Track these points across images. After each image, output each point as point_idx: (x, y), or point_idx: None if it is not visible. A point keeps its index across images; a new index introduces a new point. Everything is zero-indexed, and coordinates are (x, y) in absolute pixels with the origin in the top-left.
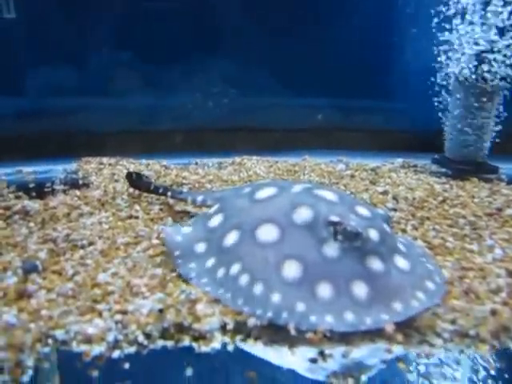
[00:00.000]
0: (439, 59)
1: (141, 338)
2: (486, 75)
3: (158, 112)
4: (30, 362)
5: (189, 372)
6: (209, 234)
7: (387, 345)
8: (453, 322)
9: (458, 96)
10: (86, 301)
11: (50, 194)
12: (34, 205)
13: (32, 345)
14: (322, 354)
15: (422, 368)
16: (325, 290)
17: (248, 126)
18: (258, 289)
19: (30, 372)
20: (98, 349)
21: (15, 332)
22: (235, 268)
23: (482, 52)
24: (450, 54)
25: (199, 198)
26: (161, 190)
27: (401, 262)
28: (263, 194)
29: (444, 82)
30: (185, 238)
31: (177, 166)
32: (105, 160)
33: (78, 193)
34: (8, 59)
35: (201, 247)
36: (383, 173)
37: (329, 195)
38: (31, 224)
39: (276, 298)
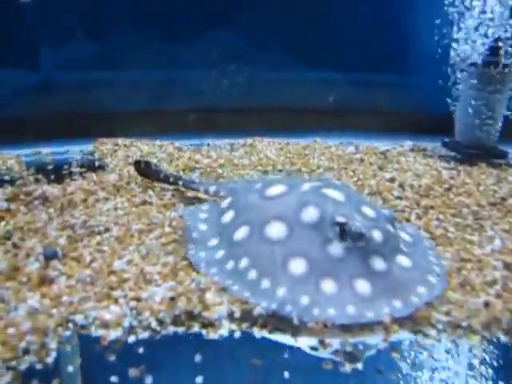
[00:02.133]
0: (453, 41)
1: (154, 324)
2: (499, 60)
3: (173, 91)
4: (53, 345)
5: (198, 357)
6: (221, 229)
7: (384, 335)
8: (447, 313)
9: (470, 80)
10: (103, 287)
11: (67, 177)
12: (53, 190)
13: (54, 329)
14: (322, 342)
15: (413, 357)
16: (328, 286)
17: (261, 105)
18: (265, 283)
19: (54, 354)
20: (114, 333)
21: (39, 317)
22: (244, 262)
23: (496, 37)
24: (463, 36)
25: (212, 189)
26: (171, 179)
27: (403, 261)
28: (273, 191)
29: (456, 65)
30: (199, 233)
31: (190, 148)
32: (120, 141)
33: (94, 177)
34: (24, 38)
35: (213, 242)
36: (392, 157)
37: (336, 195)
38: (51, 210)
39: (281, 291)
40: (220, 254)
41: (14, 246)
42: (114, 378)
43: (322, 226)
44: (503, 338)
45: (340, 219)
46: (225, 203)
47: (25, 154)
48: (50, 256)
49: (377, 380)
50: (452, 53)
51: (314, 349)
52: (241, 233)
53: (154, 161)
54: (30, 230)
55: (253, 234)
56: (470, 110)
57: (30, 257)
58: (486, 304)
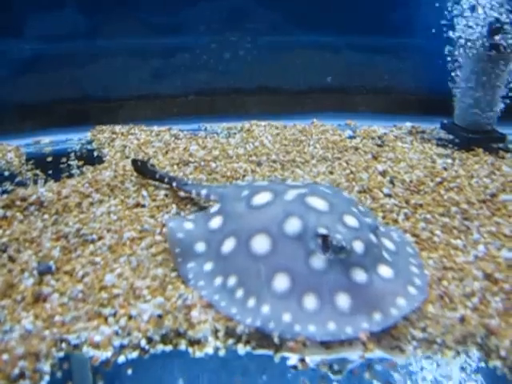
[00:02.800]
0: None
1: (143, 343)
2: (499, 43)
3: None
4: (46, 368)
5: (184, 376)
6: (208, 235)
7: (362, 351)
8: (423, 329)
9: (470, 62)
10: (94, 305)
11: (65, 171)
12: (48, 194)
13: (47, 352)
14: (302, 360)
15: (387, 374)
16: (310, 302)
17: (260, 86)
18: (251, 302)
19: (47, 377)
20: (105, 354)
21: (32, 340)
22: (232, 280)
23: (496, 20)
24: (464, 19)
25: (203, 192)
26: (166, 180)
27: (384, 271)
28: (259, 199)
29: (457, 47)
30: (186, 236)
31: (186, 135)
32: (117, 128)
33: (89, 176)
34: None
35: (200, 247)
36: (389, 141)
37: (320, 204)
38: (46, 216)
39: (265, 309)
40: (208, 266)
41: (10, 258)
42: None
43: (305, 238)
44: (476, 354)
45: (322, 231)
46: (213, 208)
47: (25, 144)
48: (43, 271)
49: None
50: (453, 33)
51: (293, 367)
52: (228, 245)
53: (151, 150)
54: (26, 241)
55: (239, 248)
56: (468, 93)
57: (25, 272)
58: (462, 319)
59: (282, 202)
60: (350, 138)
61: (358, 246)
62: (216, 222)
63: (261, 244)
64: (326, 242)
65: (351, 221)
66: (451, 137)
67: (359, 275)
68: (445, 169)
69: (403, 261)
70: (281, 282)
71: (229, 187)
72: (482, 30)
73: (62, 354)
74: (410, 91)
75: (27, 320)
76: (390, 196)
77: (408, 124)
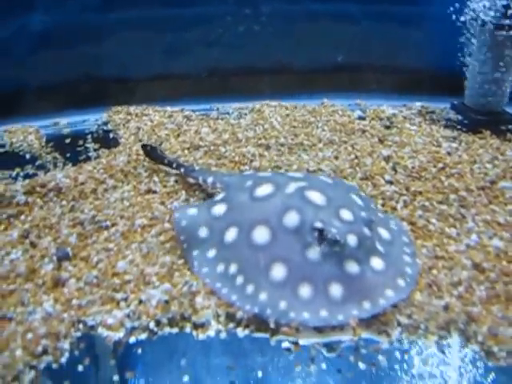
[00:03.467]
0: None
1: (151, 325)
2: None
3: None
4: (66, 346)
5: (188, 355)
6: (212, 221)
7: (351, 336)
8: (409, 316)
9: (481, 41)
10: (107, 290)
11: (83, 154)
12: (66, 180)
13: (66, 331)
14: (295, 343)
15: (373, 356)
16: (305, 291)
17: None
18: (250, 289)
19: (67, 354)
20: (117, 335)
21: (52, 322)
22: (233, 268)
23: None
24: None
25: (209, 180)
26: (174, 165)
27: (376, 263)
28: (261, 191)
29: (470, 27)
30: (190, 221)
31: (198, 116)
32: (132, 109)
33: (104, 161)
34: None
35: (203, 232)
36: (397, 123)
37: (318, 198)
38: (63, 202)
39: (263, 296)
40: (211, 253)
41: (31, 244)
42: (116, 377)
43: (302, 231)
44: (457, 339)
45: (318, 225)
46: (217, 198)
47: (44, 126)
48: (61, 257)
49: (338, 378)
50: (466, 10)
51: (287, 350)
52: (231, 234)
53: (164, 132)
54: (45, 227)
55: (241, 238)
56: (479, 76)
57: (45, 258)
58: (446, 307)
59: (282, 194)
60: (360, 118)
61: (352, 240)
62: (220, 210)
63: (261, 235)
64: (321, 236)
65: (346, 215)
66: (460, 117)
67: (352, 267)
68: (448, 153)
69: (397, 250)
70: (278, 272)
71: (234, 176)
72: (493, 10)
73: (79, 334)
74: (425, 68)
75: (48, 303)
76: (391, 183)
77: (418, 104)
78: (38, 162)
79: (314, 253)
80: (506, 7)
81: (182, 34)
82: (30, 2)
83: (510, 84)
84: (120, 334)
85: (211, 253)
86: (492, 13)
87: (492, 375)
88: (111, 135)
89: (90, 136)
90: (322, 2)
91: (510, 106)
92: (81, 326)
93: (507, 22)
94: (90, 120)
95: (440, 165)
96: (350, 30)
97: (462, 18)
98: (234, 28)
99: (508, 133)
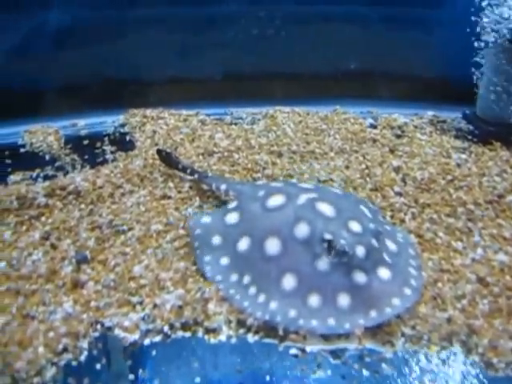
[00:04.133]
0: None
1: (166, 329)
2: None
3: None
4: (85, 345)
5: (200, 358)
6: (225, 229)
7: (357, 344)
8: (413, 327)
9: (495, 53)
10: (124, 293)
11: (100, 157)
12: (84, 184)
13: (85, 331)
14: (302, 350)
15: (376, 364)
16: (314, 300)
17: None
18: (261, 298)
19: (86, 353)
20: (133, 336)
21: (72, 322)
22: (246, 279)
23: None
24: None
25: (222, 187)
26: (188, 171)
27: (383, 273)
28: (273, 201)
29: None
30: (204, 229)
31: (213, 121)
32: (148, 112)
33: (121, 165)
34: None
35: (216, 240)
36: (408, 132)
37: (328, 209)
38: (82, 206)
39: (274, 305)
40: (224, 261)
41: (52, 246)
42: (132, 376)
43: (312, 242)
44: (458, 350)
45: (327, 236)
46: (231, 205)
47: (63, 126)
48: (81, 260)
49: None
50: (482, 21)
51: (294, 356)
52: (244, 244)
53: (179, 137)
54: (65, 230)
55: (254, 248)
56: (492, 87)
57: (65, 260)
58: (449, 320)
59: (293, 206)
60: (371, 126)
61: (360, 251)
62: (233, 218)
63: (272, 246)
64: (330, 247)
65: (355, 226)
66: (471, 128)
67: (359, 277)
68: (458, 165)
69: (403, 262)
70: (289, 282)
71: (246, 185)
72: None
73: (97, 334)
74: (438, 76)
75: (68, 304)
76: (400, 194)
77: (429, 113)
78: (57, 164)
79: (323, 263)
80: None
81: (198, 36)
82: (50, 1)
83: None
84: (135, 336)
85: (224, 260)
86: (507, 24)
87: None
88: (128, 138)
89: (106, 138)
90: (336, 7)
91: None
92: (99, 326)
93: None
94: (108, 122)
95: (449, 177)
96: (363, 36)
97: (477, 28)
98: (247, 32)
99: None
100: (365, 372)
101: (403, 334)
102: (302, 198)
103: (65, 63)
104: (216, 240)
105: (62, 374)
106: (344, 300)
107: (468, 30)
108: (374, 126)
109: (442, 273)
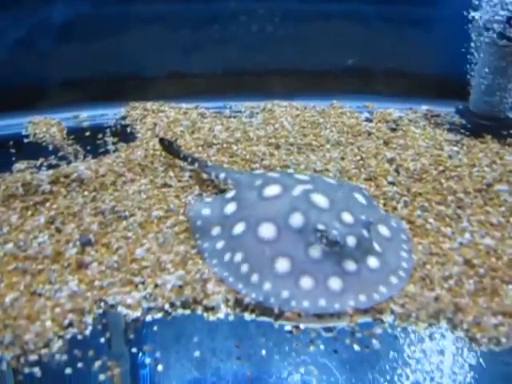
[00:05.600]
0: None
1: (166, 307)
2: None
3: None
4: (89, 320)
5: (199, 335)
6: (223, 220)
7: (348, 322)
8: (402, 305)
9: (487, 48)
10: (126, 273)
11: (102, 147)
12: (87, 172)
13: (90, 308)
14: (297, 327)
15: (367, 340)
16: (306, 282)
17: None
18: (254, 278)
19: (90, 327)
20: (135, 313)
21: (77, 299)
22: (238, 256)
23: None
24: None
25: (221, 176)
26: (189, 160)
27: (372, 262)
28: (270, 191)
29: (477, 33)
30: (204, 222)
31: (212, 114)
32: (148, 105)
33: (123, 155)
34: None
35: (215, 230)
36: (403, 126)
37: (322, 201)
38: (85, 192)
39: (267, 286)
40: (220, 244)
41: (57, 230)
42: (134, 349)
43: (306, 232)
44: (444, 326)
45: (320, 227)
46: (229, 194)
47: (65, 118)
48: (85, 243)
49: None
50: (475, 16)
51: (289, 332)
52: (238, 228)
53: (179, 129)
54: (69, 215)
55: (248, 231)
56: (485, 82)
57: (70, 242)
58: (436, 298)
59: (289, 196)
60: (367, 120)
61: (351, 241)
62: (230, 208)
63: (267, 231)
64: (323, 236)
65: (347, 218)
66: (464, 122)
67: (350, 265)
68: (450, 157)
69: (394, 246)
70: (282, 264)
71: (244, 174)
72: (501, 17)
73: (101, 311)
74: (433, 72)
75: (73, 283)
76: (393, 184)
77: (424, 107)
78: (60, 153)
79: (316, 251)
80: (509, 18)
81: (198, 32)
82: None
83: None
84: (138, 313)
85: (219, 244)
86: (497, 21)
87: (474, 358)
88: (129, 130)
89: (108, 130)
90: (335, 4)
91: None
92: (102, 304)
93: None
94: (109, 114)
95: (441, 168)
96: (361, 31)
97: (470, 25)
98: (247, 27)
99: (508, 138)
100: (356, 347)
101: (393, 312)
102: (298, 189)
103: (68, 57)
104: (215, 231)
105: (68, 347)
106: (335, 283)
107: (462, 27)
108: (369, 120)
109: (431, 256)
